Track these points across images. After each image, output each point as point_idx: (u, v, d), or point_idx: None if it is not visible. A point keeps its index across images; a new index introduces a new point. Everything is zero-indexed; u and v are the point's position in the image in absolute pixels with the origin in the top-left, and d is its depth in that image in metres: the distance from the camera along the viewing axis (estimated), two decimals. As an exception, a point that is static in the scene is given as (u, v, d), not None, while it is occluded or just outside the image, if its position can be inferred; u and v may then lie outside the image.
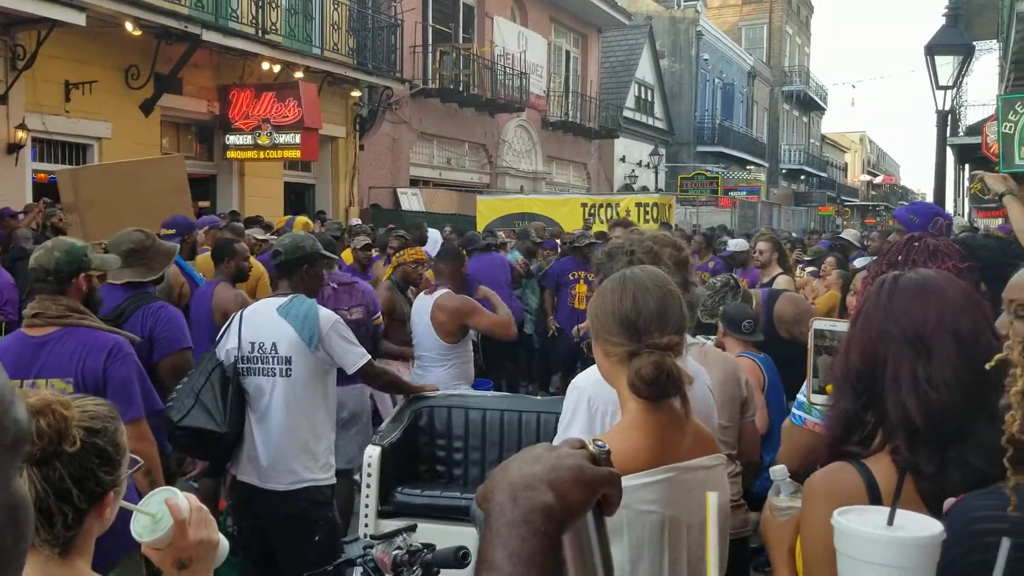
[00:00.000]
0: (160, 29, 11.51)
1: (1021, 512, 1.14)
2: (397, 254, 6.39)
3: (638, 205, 13.35)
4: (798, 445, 2.27)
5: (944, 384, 1.38)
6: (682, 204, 24.39)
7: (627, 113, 28.04)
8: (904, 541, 1.09)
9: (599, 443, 1.03)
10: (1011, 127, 10.78)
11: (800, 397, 2.48)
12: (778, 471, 1.57)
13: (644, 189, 26.65)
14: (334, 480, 3.83)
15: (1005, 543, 1.02)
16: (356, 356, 3.76)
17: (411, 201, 17.10)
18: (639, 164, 28.86)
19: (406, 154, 18.33)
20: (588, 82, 25.93)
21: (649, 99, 30.70)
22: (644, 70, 29.96)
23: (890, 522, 1.11)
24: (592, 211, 13.22)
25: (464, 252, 6.13)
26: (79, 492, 1.48)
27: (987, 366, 1.22)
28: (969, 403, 1.31)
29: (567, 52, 25.60)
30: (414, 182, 18.63)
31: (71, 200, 6.97)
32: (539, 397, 5.50)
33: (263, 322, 3.71)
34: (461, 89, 18.72)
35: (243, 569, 3.78)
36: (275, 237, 7.79)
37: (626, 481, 1.05)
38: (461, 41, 19.92)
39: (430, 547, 2.32)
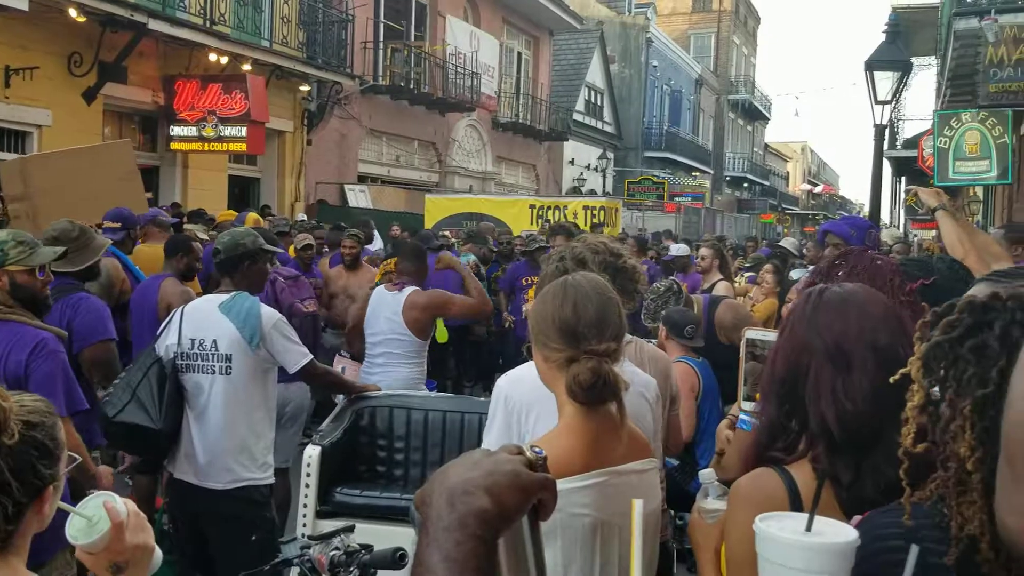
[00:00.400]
0: (105, 16, 11.26)
1: (916, 524, 1.20)
2: (384, 262, 6.42)
3: (585, 208, 13.48)
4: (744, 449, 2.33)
5: (861, 396, 1.43)
6: (629, 208, 24.62)
7: (577, 116, 28.21)
8: (821, 547, 1.13)
9: (536, 449, 1.06)
10: (946, 142, 11.12)
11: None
12: (706, 475, 1.61)
13: (592, 192, 26.83)
14: (272, 479, 3.82)
15: (914, 550, 1.07)
16: (298, 355, 3.75)
17: (358, 198, 16.98)
18: (587, 167, 29.06)
19: (354, 150, 18.20)
20: (539, 84, 26.03)
21: (599, 103, 30.93)
22: (594, 74, 30.17)
23: (808, 528, 1.16)
24: (540, 213, 13.30)
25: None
26: (19, 485, 1.47)
27: (891, 380, 1.28)
28: (884, 415, 1.36)
29: (519, 54, 25.66)
30: (362, 179, 18.50)
31: (19, 190, 6.79)
32: (482, 398, 5.52)
33: (204, 319, 3.68)
34: (412, 87, 18.64)
35: (178, 568, 3.74)
36: (215, 233, 7.70)
37: (560, 485, 1.08)
38: (413, 39, 19.84)
39: (368, 548, 2.34)
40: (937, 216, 3.61)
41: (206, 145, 13.19)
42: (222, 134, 12.97)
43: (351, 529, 2.40)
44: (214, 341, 3.63)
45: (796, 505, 1.41)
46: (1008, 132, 10.77)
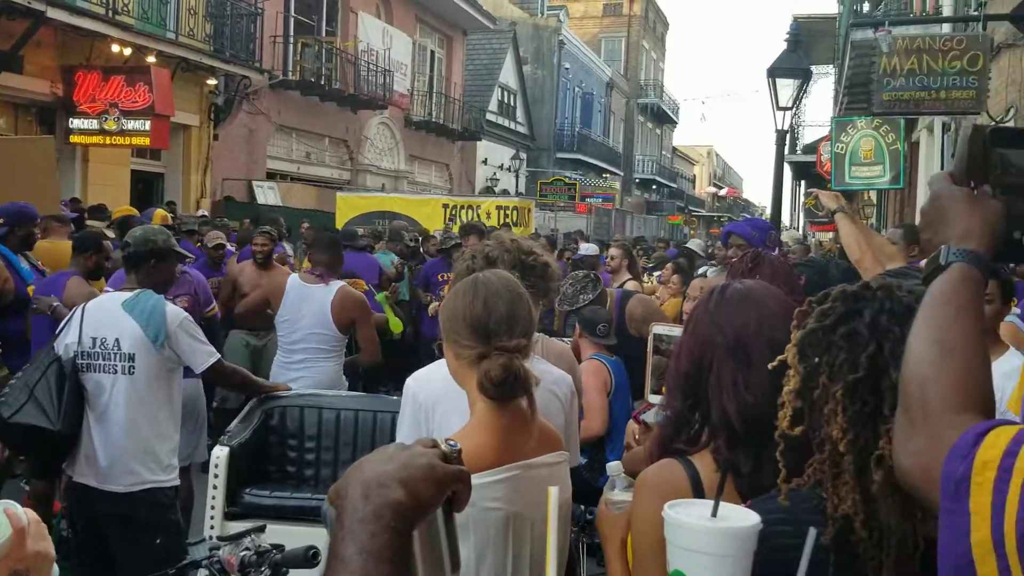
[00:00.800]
0: (1, 4, 10.77)
1: (797, 507, 1.27)
2: None
3: (499, 208, 13.55)
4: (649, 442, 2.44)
5: (760, 389, 1.48)
6: (541, 209, 24.81)
7: (490, 116, 28.29)
8: (726, 531, 1.18)
9: (451, 442, 1.08)
10: (843, 147, 11.58)
11: None
12: (613, 467, 1.65)
13: (505, 192, 26.95)
14: (178, 481, 3.74)
15: (812, 532, 1.13)
16: (204, 355, 3.67)
17: (267, 195, 16.66)
18: (501, 167, 29.17)
19: (263, 146, 17.85)
20: (452, 83, 26.00)
21: (512, 104, 31.07)
22: (507, 75, 30.31)
23: (714, 514, 1.21)
24: (453, 212, 13.30)
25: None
26: None
27: (769, 366, 1.36)
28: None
29: (432, 52, 25.59)
30: (271, 175, 18.16)
31: None
32: (395, 397, 5.49)
33: (106, 317, 3.57)
34: (323, 83, 18.39)
35: (77, 574, 3.61)
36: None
37: (473, 480, 1.10)
38: (324, 34, 19.58)
39: (279, 547, 2.31)
40: (836, 219, 3.78)
41: (108, 139, 12.74)
42: (124, 127, 12.55)
43: (262, 529, 2.37)
44: (116, 340, 3.52)
45: (699, 493, 1.46)
46: (900, 139, 11.28)
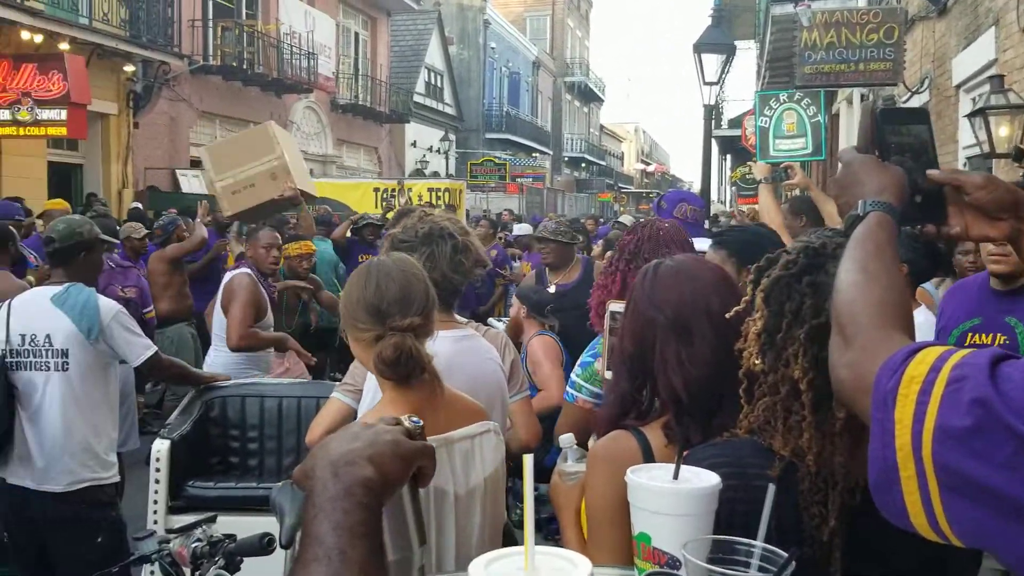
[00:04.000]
0: None
1: (738, 452, 1.34)
2: (284, 247, 6.42)
3: (430, 190, 13.52)
4: (571, 419, 2.72)
5: (703, 361, 1.53)
6: (472, 190, 24.76)
7: (417, 98, 28.06)
8: (688, 492, 1.22)
9: (414, 419, 1.09)
10: (767, 121, 11.80)
11: (573, 376, 2.86)
12: (566, 439, 1.68)
13: (435, 174, 26.81)
14: (118, 478, 3.66)
15: (771, 489, 1.18)
16: (141, 348, 3.59)
17: (192, 183, 16.26)
18: (430, 149, 28.99)
19: (185, 133, 17.41)
20: (378, 66, 25.69)
21: (439, 85, 30.87)
22: (433, 56, 30.08)
23: (675, 476, 1.25)
24: (384, 196, 13.21)
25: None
26: None
27: (727, 315, 1.43)
28: (725, 375, 1.46)
29: (356, 34, 25.24)
30: (195, 163, 17.72)
31: None
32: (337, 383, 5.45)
33: (35, 312, 3.46)
34: (245, 67, 17.98)
35: (16, 577, 3.52)
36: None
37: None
38: (244, 17, 19.13)
39: (231, 537, 2.28)
40: (760, 189, 4.03)
41: (21, 130, 12.22)
42: (39, 117, 12.05)
43: (213, 519, 2.34)
44: (47, 336, 3.42)
45: (649, 462, 1.49)
46: (821, 111, 11.55)
